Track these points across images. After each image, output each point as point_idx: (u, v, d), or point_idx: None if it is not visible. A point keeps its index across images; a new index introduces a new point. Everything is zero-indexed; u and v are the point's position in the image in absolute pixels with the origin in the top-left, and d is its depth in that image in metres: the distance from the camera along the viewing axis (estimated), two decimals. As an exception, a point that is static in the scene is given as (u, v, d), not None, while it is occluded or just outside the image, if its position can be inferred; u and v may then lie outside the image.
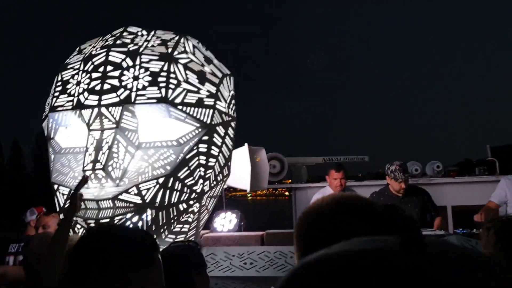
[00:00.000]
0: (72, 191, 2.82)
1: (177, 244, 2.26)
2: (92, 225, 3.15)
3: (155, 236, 1.56)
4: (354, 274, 0.39)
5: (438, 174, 6.62)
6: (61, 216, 3.43)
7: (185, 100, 3.39)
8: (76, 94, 3.41)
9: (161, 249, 2.18)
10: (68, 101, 3.46)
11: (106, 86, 3.33)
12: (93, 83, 3.37)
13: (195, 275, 2.12)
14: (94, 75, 3.38)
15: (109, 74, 3.35)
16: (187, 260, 2.16)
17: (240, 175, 4.92)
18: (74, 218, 3.08)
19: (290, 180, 7.97)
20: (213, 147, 3.60)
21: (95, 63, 3.41)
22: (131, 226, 3.12)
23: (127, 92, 3.30)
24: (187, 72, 3.46)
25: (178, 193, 3.41)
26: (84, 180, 2.97)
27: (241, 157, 4.93)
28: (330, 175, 4.87)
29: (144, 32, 3.62)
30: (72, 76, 3.50)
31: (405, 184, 4.59)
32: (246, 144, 5.02)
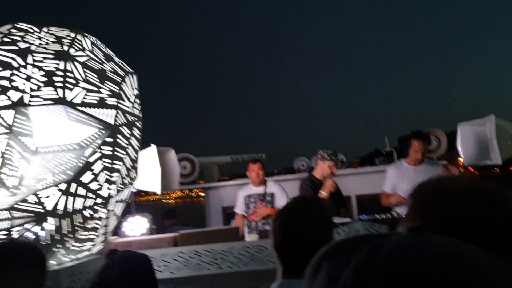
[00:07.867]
0: None
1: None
2: None
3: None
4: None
5: (343, 166, 6.93)
6: None
7: (85, 101, 3.22)
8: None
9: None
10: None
11: (-5, 88, 3.07)
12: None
13: None
14: (-19, 77, 3.11)
15: (-2, 74, 3.09)
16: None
17: (149, 177, 4.80)
18: None
19: (203, 181, 7.95)
20: (118, 149, 3.45)
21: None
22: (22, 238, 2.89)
23: (19, 93, 3.07)
24: (86, 70, 3.29)
25: (82, 199, 3.24)
26: None
27: (149, 158, 4.82)
28: (249, 168, 5.11)
29: (35, 29, 3.38)
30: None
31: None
32: (153, 145, 4.91)
